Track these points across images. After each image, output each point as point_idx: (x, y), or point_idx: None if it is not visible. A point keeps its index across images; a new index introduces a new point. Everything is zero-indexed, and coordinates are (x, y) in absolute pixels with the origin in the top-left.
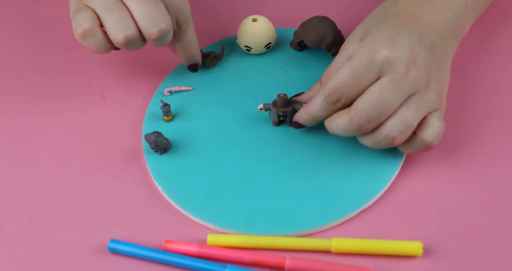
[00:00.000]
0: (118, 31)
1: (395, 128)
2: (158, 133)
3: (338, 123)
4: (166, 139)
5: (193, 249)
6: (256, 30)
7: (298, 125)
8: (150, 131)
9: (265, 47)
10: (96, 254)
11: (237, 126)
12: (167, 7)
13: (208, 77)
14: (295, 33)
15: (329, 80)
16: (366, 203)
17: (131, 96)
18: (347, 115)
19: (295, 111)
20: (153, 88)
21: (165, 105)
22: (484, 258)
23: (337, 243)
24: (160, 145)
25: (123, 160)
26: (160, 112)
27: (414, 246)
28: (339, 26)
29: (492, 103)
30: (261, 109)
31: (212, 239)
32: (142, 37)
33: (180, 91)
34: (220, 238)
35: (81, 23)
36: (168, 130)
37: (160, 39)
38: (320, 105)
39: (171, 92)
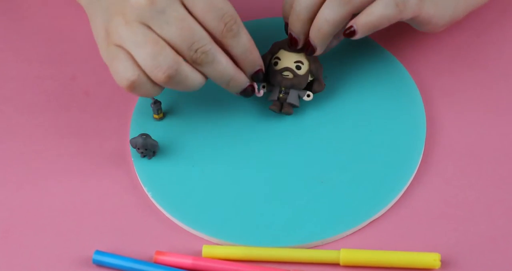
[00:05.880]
0: (157, 70)
1: None
2: (146, 136)
3: (328, 5)
4: (154, 140)
5: (187, 261)
6: None
7: (312, 50)
8: (139, 130)
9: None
10: (80, 267)
11: (235, 126)
12: (205, 12)
13: None
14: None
15: None
16: (378, 212)
17: (118, 92)
18: None
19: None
20: None
21: (156, 102)
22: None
23: (346, 254)
24: (150, 147)
25: (108, 163)
26: (150, 109)
27: (431, 258)
28: None
29: None
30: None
31: (207, 250)
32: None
33: None
34: (217, 250)
35: (124, 75)
36: (159, 130)
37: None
38: (332, 4)
39: None
